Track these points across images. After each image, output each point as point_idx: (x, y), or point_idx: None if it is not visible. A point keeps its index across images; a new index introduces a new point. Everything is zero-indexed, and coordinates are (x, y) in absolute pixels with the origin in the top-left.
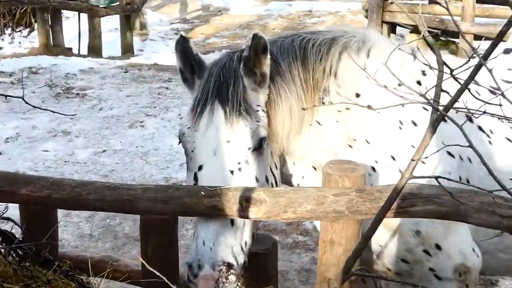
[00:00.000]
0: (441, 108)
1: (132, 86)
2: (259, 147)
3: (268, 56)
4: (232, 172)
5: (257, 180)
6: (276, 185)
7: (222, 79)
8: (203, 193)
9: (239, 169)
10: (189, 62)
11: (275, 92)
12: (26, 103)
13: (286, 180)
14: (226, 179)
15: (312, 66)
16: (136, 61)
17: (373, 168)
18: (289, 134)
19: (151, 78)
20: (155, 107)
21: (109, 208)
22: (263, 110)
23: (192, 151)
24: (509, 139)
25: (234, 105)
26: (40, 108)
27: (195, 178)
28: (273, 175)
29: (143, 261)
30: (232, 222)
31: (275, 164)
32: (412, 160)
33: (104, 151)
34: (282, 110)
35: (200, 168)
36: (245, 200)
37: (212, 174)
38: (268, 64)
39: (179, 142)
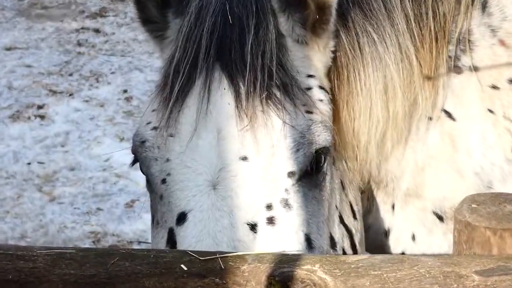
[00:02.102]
0: None
1: (18, 26)
2: (314, 170)
3: None
4: (253, 226)
5: (309, 242)
6: (353, 251)
7: (231, 20)
8: (184, 267)
9: (270, 221)
10: None
11: (351, 46)
12: None
13: (375, 241)
14: (240, 242)
15: None
16: None
17: None
18: (383, 141)
19: (60, 8)
20: (70, 75)
21: None
22: (321, 87)
23: (164, 180)
24: None
25: (258, 77)
26: None
27: (171, 239)
28: (347, 230)
29: None
30: None
31: (352, 207)
32: None
33: None
34: (367, 86)
35: (181, 218)
36: (281, 283)
37: (210, 231)
38: None
39: (134, 161)
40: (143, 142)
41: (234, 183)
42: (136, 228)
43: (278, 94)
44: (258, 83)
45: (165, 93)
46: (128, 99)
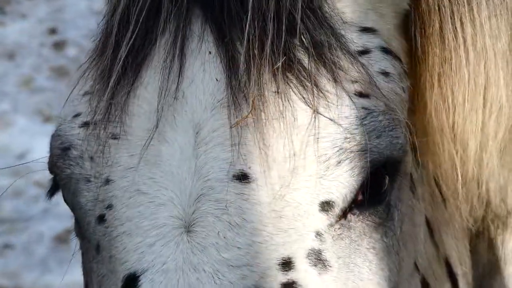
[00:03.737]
0: None
1: None
2: (369, 200)
3: None
4: None
5: None
6: None
7: None
8: None
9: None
10: None
11: None
12: None
13: None
14: None
15: None
16: None
17: None
18: (509, 145)
19: None
20: None
21: None
22: (387, 51)
23: (102, 218)
24: None
25: (268, 31)
26: None
27: None
28: None
29: None
30: None
31: (450, 267)
32: None
33: None
34: (478, 46)
35: (130, 284)
36: None
37: None
38: None
39: (52, 187)
40: (67, 149)
41: (223, 222)
42: (73, 280)
43: (305, 61)
44: (269, 42)
45: (105, 62)
46: (58, 45)
